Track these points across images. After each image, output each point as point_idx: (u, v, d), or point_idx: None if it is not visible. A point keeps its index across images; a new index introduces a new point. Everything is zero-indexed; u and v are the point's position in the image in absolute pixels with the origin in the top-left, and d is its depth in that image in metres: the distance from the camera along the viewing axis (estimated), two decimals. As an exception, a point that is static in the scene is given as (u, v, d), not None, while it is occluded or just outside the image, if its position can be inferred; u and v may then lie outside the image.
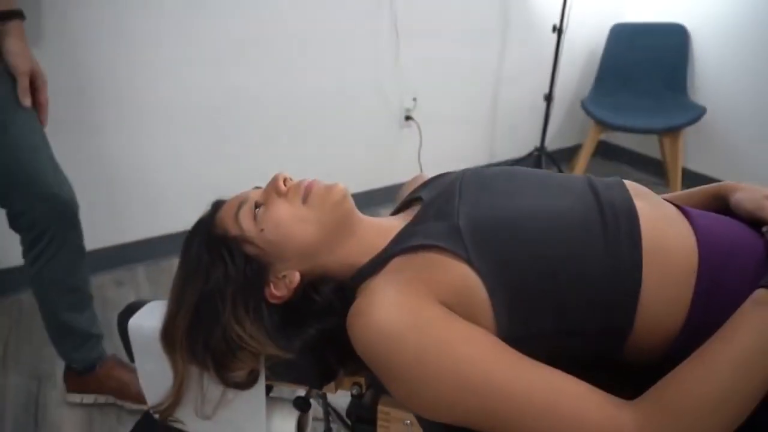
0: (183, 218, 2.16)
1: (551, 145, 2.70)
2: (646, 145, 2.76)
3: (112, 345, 1.42)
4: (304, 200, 0.68)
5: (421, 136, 2.42)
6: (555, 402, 0.51)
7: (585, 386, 0.52)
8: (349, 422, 0.90)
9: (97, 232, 1.92)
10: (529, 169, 0.74)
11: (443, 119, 2.50)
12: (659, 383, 0.51)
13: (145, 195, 1.98)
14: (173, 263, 2.03)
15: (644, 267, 0.57)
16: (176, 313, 0.65)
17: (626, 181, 0.69)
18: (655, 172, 2.78)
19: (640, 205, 0.62)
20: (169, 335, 0.66)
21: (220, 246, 0.67)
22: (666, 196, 0.80)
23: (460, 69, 2.43)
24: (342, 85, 2.18)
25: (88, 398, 1.38)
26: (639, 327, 0.58)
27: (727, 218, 0.65)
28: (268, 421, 0.73)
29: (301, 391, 0.79)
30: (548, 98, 2.44)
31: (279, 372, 0.69)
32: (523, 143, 2.74)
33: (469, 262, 0.58)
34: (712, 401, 0.47)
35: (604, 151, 2.99)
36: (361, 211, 0.74)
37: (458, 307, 0.58)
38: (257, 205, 0.69)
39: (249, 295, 0.66)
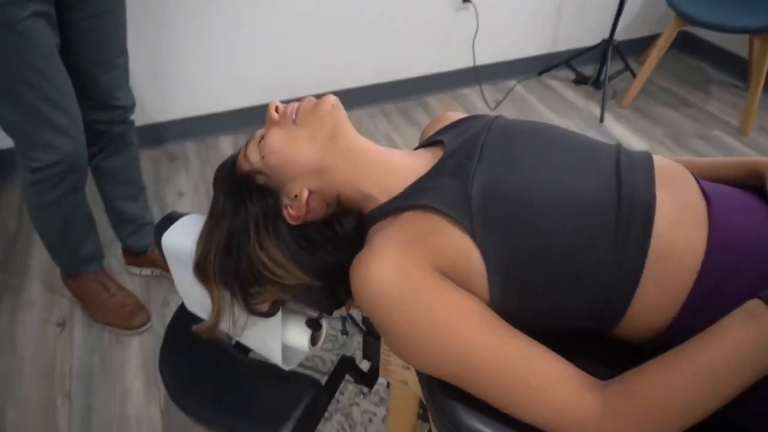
0: (230, 101, 2.20)
1: (622, 35, 2.45)
2: (733, 42, 2.46)
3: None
4: (294, 121, 0.70)
5: (477, 21, 2.23)
6: (527, 379, 0.54)
7: (561, 365, 0.55)
8: (364, 328, 0.99)
9: (156, 109, 1.99)
10: (561, 129, 0.70)
11: (504, 2, 2.28)
12: (631, 376, 0.53)
13: (197, 75, 1.99)
14: (219, 140, 2.11)
15: (644, 272, 0.56)
16: (207, 251, 0.70)
17: (655, 158, 0.64)
18: (737, 73, 2.50)
19: (661, 198, 0.59)
20: (202, 271, 0.71)
21: (239, 185, 0.71)
22: (700, 162, 0.74)
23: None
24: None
25: (146, 271, 1.55)
26: (625, 321, 0.59)
27: (753, 206, 0.60)
28: (284, 336, 0.82)
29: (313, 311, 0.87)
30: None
31: (294, 294, 0.76)
32: (590, 32, 2.49)
33: (472, 236, 0.59)
34: (675, 407, 0.49)
35: (683, 44, 2.69)
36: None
37: (455, 275, 0.60)
38: (261, 138, 0.71)
39: (269, 221, 0.69)
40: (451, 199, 0.61)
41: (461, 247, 0.59)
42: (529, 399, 0.54)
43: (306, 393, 0.85)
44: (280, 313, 0.78)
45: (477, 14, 2.22)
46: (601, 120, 2.26)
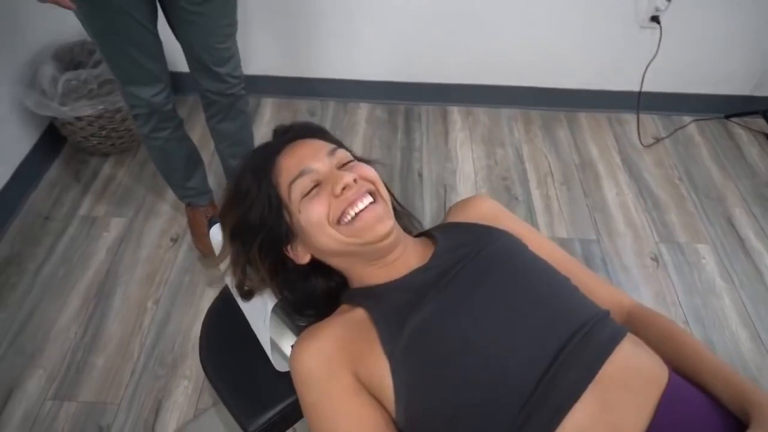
0: (377, 71, 2.24)
1: None
2: None
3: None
4: (346, 221, 0.69)
5: (659, 45, 1.95)
6: None
7: None
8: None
9: (310, 64, 2.14)
10: (546, 277, 0.66)
11: (702, 29, 1.95)
12: None
13: (349, 39, 2.08)
14: (358, 106, 2.22)
15: None
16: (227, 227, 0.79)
17: (631, 347, 0.58)
18: None
19: (586, 402, 0.53)
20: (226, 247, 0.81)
21: (269, 192, 0.73)
22: (707, 359, 0.63)
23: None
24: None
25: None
26: None
27: None
28: (276, 341, 0.92)
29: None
30: None
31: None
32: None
33: (391, 357, 0.61)
34: None
35: None
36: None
37: (369, 384, 0.63)
38: (315, 184, 0.71)
39: (273, 245, 0.75)
40: (392, 318, 0.63)
41: (380, 366, 0.62)
42: None
43: (288, 397, 0.95)
44: (269, 309, 0.85)
45: (660, 37, 1.93)
46: (777, 195, 1.89)
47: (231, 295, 1.08)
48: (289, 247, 0.76)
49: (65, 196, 1.84)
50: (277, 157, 0.74)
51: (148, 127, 1.36)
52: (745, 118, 2.18)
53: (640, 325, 0.69)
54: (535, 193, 1.90)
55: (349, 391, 0.62)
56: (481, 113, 2.22)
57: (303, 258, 0.75)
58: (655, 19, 1.92)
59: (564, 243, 1.74)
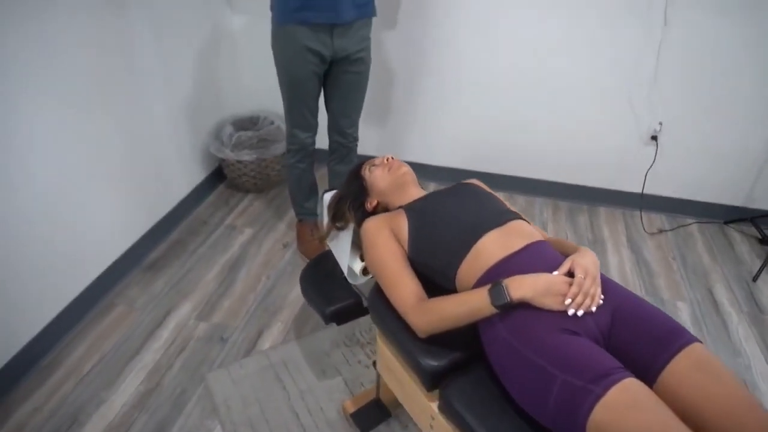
0: (450, 158, 3.00)
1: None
2: None
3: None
4: (388, 169, 1.45)
5: (655, 156, 2.58)
6: (398, 288, 1.19)
7: (414, 284, 1.18)
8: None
9: (394, 147, 2.95)
10: (487, 195, 1.31)
11: (691, 148, 2.56)
12: (433, 298, 1.13)
13: (421, 129, 2.91)
14: (429, 188, 2.97)
15: (465, 259, 1.16)
16: (333, 199, 1.54)
17: (521, 222, 1.22)
18: None
19: (493, 233, 1.16)
20: (329, 207, 1.56)
21: (361, 175, 1.51)
22: (558, 239, 1.25)
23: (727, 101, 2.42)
24: (597, 94, 2.55)
25: (336, 236, 2.48)
26: (457, 280, 1.17)
27: (540, 263, 1.11)
28: (350, 260, 1.57)
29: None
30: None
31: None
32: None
33: (408, 220, 1.27)
34: (441, 312, 1.09)
35: None
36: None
37: (397, 234, 1.28)
38: (372, 167, 1.49)
39: (358, 198, 1.49)
40: (411, 207, 1.31)
41: (403, 224, 1.28)
42: (394, 295, 1.20)
43: (351, 298, 1.58)
44: (349, 243, 1.54)
45: (657, 151, 2.57)
46: (755, 279, 2.32)
47: (318, 260, 1.77)
48: (367, 200, 1.48)
49: (218, 213, 2.69)
50: (363, 163, 1.55)
51: (295, 158, 2.19)
52: (741, 225, 2.67)
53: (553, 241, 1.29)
54: (552, 253, 2.47)
55: (389, 236, 1.28)
56: (521, 199, 2.89)
57: (372, 203, 1.47)
58: (654, 138, 2.57)
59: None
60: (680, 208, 2.74)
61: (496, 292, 1.04)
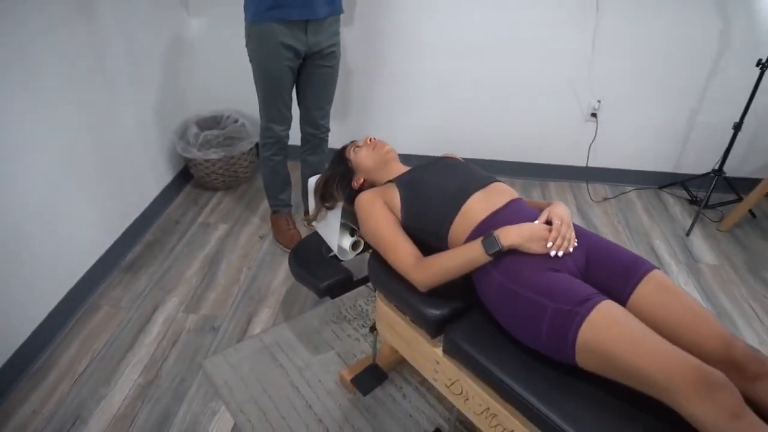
0: (413, 145, 3.15)
1: (732, 172, 2.78)
2: None
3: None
4: (372, 148, 1.58)
5: (596, 132, 2.85)
6: (397, 252, 1.32)
7: (410, 246, 1.31)
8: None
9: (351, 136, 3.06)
10: (466, 165, 1.47)
11: (627, 123, 2.85)
12: (431, 255, 1.27)
13: (390, 120, 3.05)
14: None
15: (456, 218, 1.30)
16: (319, 181, 1.65)
17: (500, 185, 1.37)
18: None
19: (478, 194, 1.32)
20: (316, 188, 1.66)
21: (346, 157, 1.63)
22: (533, 201, 1.42)
23: (655, 82, 2.72)
24: (541, 80, 2.78)
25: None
26: (449, 237, 1.32)
27: (518, 216, 1.28)
28: (339, 238, 1.69)
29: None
30: (737, 128, 2.53)
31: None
32: (704, 163, 2.86)
33: (399, 190, 1.41)
34: (439, 266, 1.23)
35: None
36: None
37: (390, 204, 1.41)
38: (357, 148, 1.62)
39: (345, 178, 1.60)
40: (399, 180, 1.44)
41: (395, 196, 1.41)
42: (394, 257, 1.33)
43: (342, 273, 1.69)
44: (338, 222, 1.66)
45: (597, 127, 2.84)
46: (687, 234, 2.62)
47: (299, 246, 1.88)
48: (354, 179, 1.60)
49: (188, 212, 2.72)
50: (348, 146, 1.67)
51: (270, 151, 2.27)
52: (672, 188, 2.98)
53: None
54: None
55: (383, 207, 1.41)
56: (478, 179, 3.09)
57: (359, 181, 1.59)
58: (594, 115, 2.84)
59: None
60: (620, 177, 3.03)
61: (489, 242, 1.19)
